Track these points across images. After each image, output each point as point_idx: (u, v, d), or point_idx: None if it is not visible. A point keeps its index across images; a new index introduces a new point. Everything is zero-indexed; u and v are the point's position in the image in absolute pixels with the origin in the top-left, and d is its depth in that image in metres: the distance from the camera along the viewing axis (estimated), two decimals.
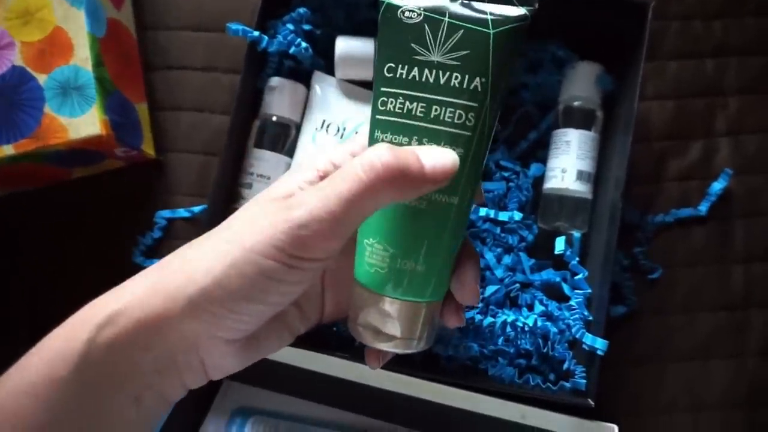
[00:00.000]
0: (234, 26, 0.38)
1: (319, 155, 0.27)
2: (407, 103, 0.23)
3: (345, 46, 0.40)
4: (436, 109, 0.23)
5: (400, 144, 0.23)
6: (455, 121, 0.23)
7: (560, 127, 0.41)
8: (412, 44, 0.23)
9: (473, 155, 0.23)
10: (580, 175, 0.39)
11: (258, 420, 0.39)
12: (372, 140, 0.25)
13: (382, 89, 0.24)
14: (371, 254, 0.25)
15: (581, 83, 0.41)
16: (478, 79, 0.22)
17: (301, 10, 0.39)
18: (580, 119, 0.40)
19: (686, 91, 0.44)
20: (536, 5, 0.23)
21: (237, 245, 0.22)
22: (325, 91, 0.41)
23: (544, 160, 0.42)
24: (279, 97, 0.40)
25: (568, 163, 0.40)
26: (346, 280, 0.29)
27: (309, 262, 0.22)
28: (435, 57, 0.23)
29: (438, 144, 0.23)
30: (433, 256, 0.24)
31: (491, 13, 0.23)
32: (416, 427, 0.38)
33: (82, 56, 0.37)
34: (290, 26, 0.39)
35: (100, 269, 0.41)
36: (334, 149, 0.27)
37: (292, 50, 0.39)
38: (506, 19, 0.23)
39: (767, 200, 0.43)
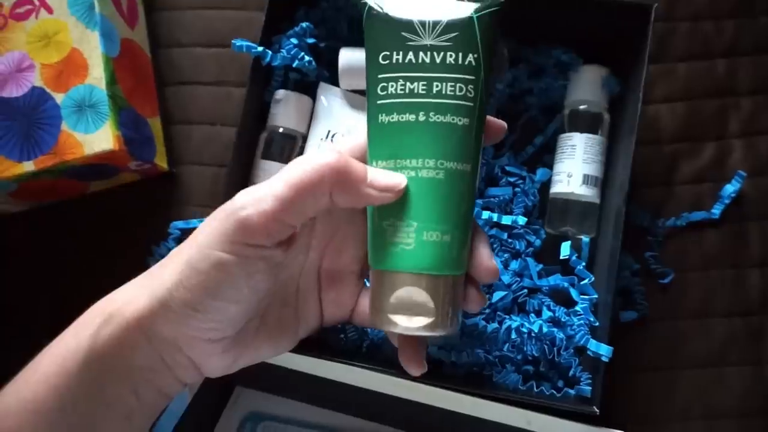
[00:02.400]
0: (239, 42, 0.39)
1: (316, 155, 0.27)
2: (408, 83, 0.25)
3: (348, 57, 0.41)
4: (437, 85, 0.25)
5: (408, 121, 0.25)
6: (457, 93, 0.25)
7: (566, 131, 0.40)
8: (403, 33, 0.25)
9: (478, 122, 0.25)
10: (587, 180, 0.39)
11: (268, 426, 0.39)
12: (375, 126, 0.26)
13: (380, 76, 0.25)
14: (393, 234, 0.25)
15: (587, 87, 0.41)
16: (471, 55, 0.25)
17: (304, 24, 0.40)
18: (586, 123, 0.40)
19: (697, 92, 0.44)
20: None
21: (193, 244, 0.24)
22: (331, 101, 0.42)
23: (550, 165, 0.41)
24: (285, 109, 0.41)
25: (574, 167, 0.39)
26: (344, 280, 0.29)
27: (254, 248, 0.23)
28: (427, 41, 0.25)
29: (444, 116, 0.25)
30: (456, 225, 0.25)
31: (470, 0, 0.26)
32: None
33: (97, 75, 0.39)
34: (294, 40, 0.40)
35: (117, 279, 0.43)
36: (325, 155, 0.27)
37: (295, 64, 0.40)
38: (486, 5, 0.25)
39: None
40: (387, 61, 0.25)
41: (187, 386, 0.28)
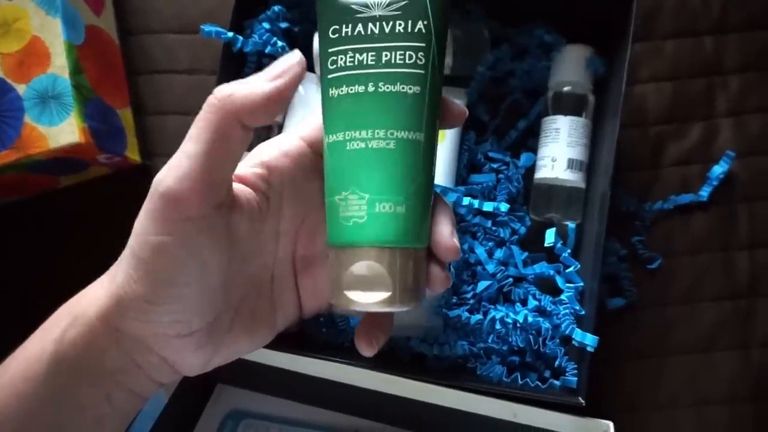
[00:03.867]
0: (208, 28, 0.38)
1: (275, 140, 0.26)
2: (357, 55, 0.24)
3: None
4: (386, 55, 0.24)
5: (357, 93, 0.24)
6: (407, 61, 0.24)
7: (550, 114, 0.39)
8: (352, 6, 0.24)
9: (430, 91, 0.24)
10: (571, 164, 0.38)
11: (250, 423, 0.38)
12: (326, 101, 0.25)
13: (330, 50, 0.25)
14: (345, 208, 0.24)
15: (570, 67, 0.39)
16: (420, 22, 0.24)
17: (276, 8, 0.39)
18: (570, 105, 0.39)
19: (684, 71, 0.43)
20: None
21: (134, 235, 0.23)
22: (307, 88, 0.41)
23: (534, 150, 0.40)
24: None
25: (558, 151, 0.38)
26: (319, 266, 0.28)
27: (189, 221, 0.22)
28: (377, 12, 0.24)
29: (394, 85, 0.24)
30: (411, 196, 0.24)
31: None
32: (407, 427, 0.38)
33: (60, 64, 0.37)
34: (266, 25, 0.39)
35: (91, 276, 0.42)
36: (284, 137, 0.26)
37: (268, 49, 0.38)
38: None
39: None
40: (336, 35, 0.25)
41: (164, 386, 0.27)
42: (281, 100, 0.24)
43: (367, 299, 0.24)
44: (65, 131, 0.36)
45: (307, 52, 0.40)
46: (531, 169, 0.40)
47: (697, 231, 0.40)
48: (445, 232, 0.25)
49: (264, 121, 0.23)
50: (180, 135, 0.45)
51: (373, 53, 0.24)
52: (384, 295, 0.24)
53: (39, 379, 0.23)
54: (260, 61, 0.41)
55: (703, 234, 0.40)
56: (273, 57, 0.40)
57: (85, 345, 0.23)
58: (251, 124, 0.23)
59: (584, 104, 0.39)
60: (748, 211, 0.40)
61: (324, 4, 0.25)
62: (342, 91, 0.24)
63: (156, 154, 0.44)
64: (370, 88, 0.24)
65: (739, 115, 0.42)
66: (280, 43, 0.39)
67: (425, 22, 0.24)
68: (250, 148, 0.39)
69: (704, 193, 0.40)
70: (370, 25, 0.24)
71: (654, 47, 0.43)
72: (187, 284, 0.23)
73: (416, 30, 0.24)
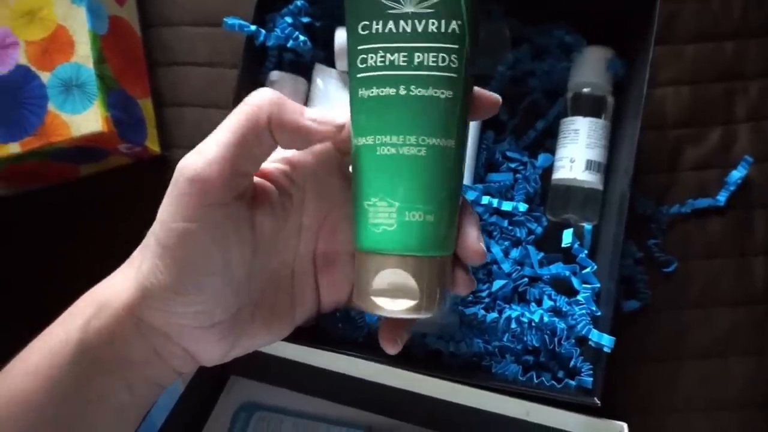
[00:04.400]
0: (230, 21, 0.38)
1: None
2: (388, 55, 0.23)
3: (345, 37, 0.39)
4: (418, 56, 0.23)
5: (388, 96, 0.24)
6: (440, 64, 0.23)
7: (569, 115, 0.39)
8: (383, 1, 0.24)
9: (463, 95, 0.24)
10: (590, 165, 0.38)
11: (263, 416, 0.39)
12: (355, 101, 0.25)
13: (360, 48, 0.24)
14: (375, 214, 0.24)
15: (591, 69, 0.39)
16: (454, 21, 0.23)
17: (299, 2, 0.39)
18: (589, 106, 0.39)
19: (704, 75, 0.43)
20: None
21: (158, 222, 0.23)
22: (327, 83, 0.41)
23: (552, 150, 0.40)
24: (280, 92, 0.39)
25: (577, 152, 0.38)
26: (340, 262, 0.28)
27: (214, 208, 0.22)
28: (409, 8, 0.23)
29: (426, 89, 0.23)
30: (441, 204, 0.24)
31: None
32: (420, 424, 0.38)
33: (84, 54, 0.37)
34: (288, 19, 0.39)
35: (110, 265, 0.42)
36: None
37: (290, 44, 0.39)
38: None
39: None
40: (366, 32, 0.24)
41: (182, 375, 0.27)
42: (302, 140, 0.24)
43: (394, 306, 0.24)
44: (88, 120, 0.37)
45: (328, 47, 0.40)
46: (548, 170, 0.40)
47: (713, 235, 0.40)
48: (472, 236, 0.25)
49: (282, 143, 0.24)
50: (198, 127, 0.46)
51: (405, 54, 0.23)
52: (411, 303, 0.24)
53: (64, 367, 0.23)
54: (281, 55, 0.41)
55: (720, 238, 0.40)
56: (294, 51, 0.41)
57: (110, 335, 0.23)
58: (280, 141, 0.24)
59: (603, 106, 0.39)
60: (764, 216, 0.40)
61: (353, 1, 0.25)
62: (372, 92, 0.24)
63: (174, 145, 0.44)
64: (402, 91, 0.23)
65: (758, 121, 0.41)
66: (302, 38, 0.39)
67: (459, 23, 0.23)
68: None
69: (721, 197, 0.40)
70: (402, 23, 0.23)
71: (674, 51, 0.43)
72: (211, 274, 0.23)
73: (450, 30, 0.23)
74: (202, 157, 0.22)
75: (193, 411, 0.38)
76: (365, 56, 0.24)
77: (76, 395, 0.23)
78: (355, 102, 0.25)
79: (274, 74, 0.40)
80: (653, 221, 0.41)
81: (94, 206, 0.44)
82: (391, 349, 0.26)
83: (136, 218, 0.42)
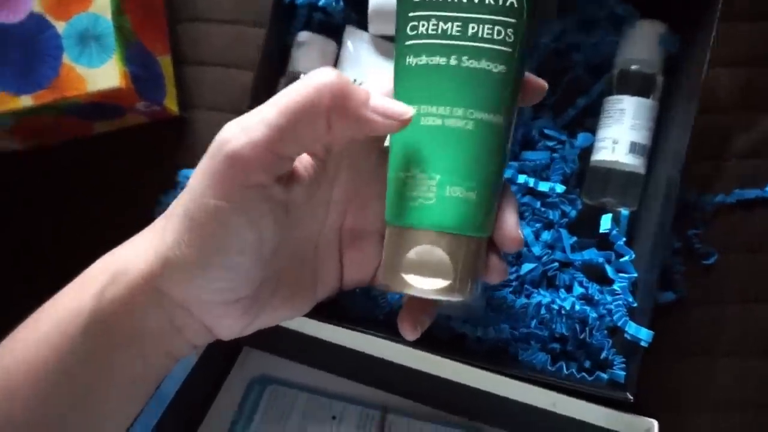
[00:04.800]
0: None
1: None
2: (441, 23, 0.22)
3: None
4: (473, 27, 0.22)
5: (438, 65, 0.22)
6: (495, 37, 0.22)
7: (614, 93, 0.37)
8: None
9: (515, 72, 0.23)
10: (633, 148, 0.36)
11: (276, 389, 0.38)
12: (402, 68, 0.23)
13: (411, 14, 0.23)
14: (413, 186, 0.23)
15: (641, 44, 0.37)
16: None
17: None
18: (637, 85, 0.36)
19: (759, 57, 0.40)
20: None
21: (188, 192, 0.21)
22: (358, 47, 0.39)
23: (593, 130, 0.38)
24: (308, 54, 0.38)
25: (621, 133, 0.36)
26: (367, 239, 0.27)
27: (252, 189, 0.21)
28: None
29: (479, 61, 0.22)
30: (483, 183, 0.23)
31: None
32: (439, 407, 0.37)
33: (102, 3, 0.35)
34: None
35: (123, 227, 0.41)
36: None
37: (321, 2, 0.36)
38: None
39: None
40: None
41: (196, 348, 0.26)
42: (361, 132, 0.22)
43: (426, 285, 0.23)
44: (106, 74, 0.35)
45: (360, 8, 0.38)
46: (587, 151, 0.38)
47: (758, 228, 0.38)
48: (511, 222, 0.24)
49: (337, 132, 0.21)
50: (219, 88, 0.44)
51: (459, 23, 0.22)
52: (444, 283, 0.23)
53: (76, 336, 0.22)
54: (311, 15, 0.39)
55: (765, 232, 0.38)
56: (325, 11, 0.38)
57: (126, 305, 0.22)
58: (335, 131, 0.21)
59: (653, 85, 0.36)
60: None
61: None
62: (421, 60, 0.23)
63: (193, 105, 0.43)
64: (453, 61, 0.22)
65: None
66: None
67: None
68: None
69: None
70: None
71: (729, 29, 0.40)
72: (240, 253, 0.21)
73: (508, 3, 0.22)
74: (246, 135, 0.20)
75: (206, 382, 0.37)
76: (416, 23, 0.23)
77: (88, 366, 0.22)
78: (401, 69, 0.23)
79: (303, 35, 0.38)
80: (695, 210, 0.39)
81: (109, 166, 0.42)
82: (411, 335, 0.25)
83: (152, 180, 0.41)
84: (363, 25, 0.38)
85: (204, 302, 0.22)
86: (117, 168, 0.42)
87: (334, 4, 0.37)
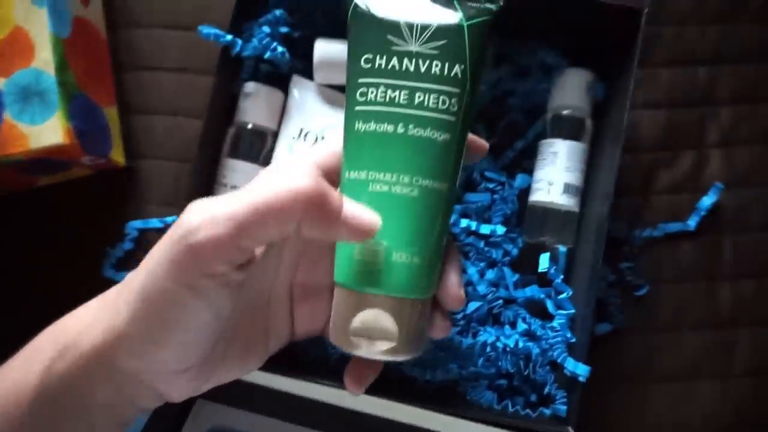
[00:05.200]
0: (206, 29, 0.36)
1: (286, 164, 0.25)
2: (389, 91, 0.23)
3: (324, 49, 0.38)
4: (419, 96, 0.23)
5: (386, 132, 0.23)
6: (439, 106, 0.23)
7: (548, 136, 0.39)
8: (389, 36, 0.24)
9: (459, 140, 0.24)
10: (567, 189, 0.38)
11: None
12: (351, 133, 0.24)
13: (361, 80, 0.24)
14: (360, 251, 0.24)
15: (571, 91, 0.39)
16: (457, 66, 0.23)
17: (278, 12, 0.38)
18: (568, 129, 0.39)
19: (678, 99, 0.43)
20: (501, 3, 0.25)
21: (145, 272, 0.21)
22: (304, 96, 0.40)
23: (530, 171, 0.40)
24: (255, 104, 0.39)
25: (555, 175, 0.38)
26: (318, 293, 0.27)
27: (210, 278, 0.20)
28: (413, 47, 0.23)
29: (424, 130, 0.23)
30: (428, 247, 0.24)
31: (461, 8, 0.24)
32: None
33: (44, 58, 0.35)
34: (266, 29, 0.37)
35: (69, 283, 0.40)
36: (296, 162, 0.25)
37: (267, 55, 0.37)
38: (477, 13, 0.24)
39: (757, 215, 0.41)
40: (369, 65, 0.24)
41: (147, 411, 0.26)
42: (334, 238, 0.22)
43: (372, 347, 0.23)
44: (48, 131, 0.34)
45: (306, 58, 0.39)
46: (526, 191, 0.40)
47: (684, 259, 0.41)
48: (453, 281, 0.25)
49: (304, 236, 0.22)
50: (167, 136, 0.44)
51: (407, 92, 0.23)
52: (389, 345, 0.23)
53: (25, 408, 0.22)
54: (257, 66, 0.40)
55: (690, 263, 0.41)
56: (271, 63, 0.39)
57: (75, 378, 0.22)
58: (303, 232, 0.21)
59: (583, 128, 0.39)
60: (733, 242, 0.41)
61: (357, 27, 0.24)
62: (370, 127, 0.23)
63: (141, 155, 0.42)
64: (400, 129, 0.23)
65: (728, 147, 0.42)
66: (280, 49, 0.38)
67: (462, 67, 0.23)
68: (255, 155, 0.38)
69: (692, 222, 0.41)
70: (406, 60, 0.23)
71: (650, 74, 0.43)
72: (197, 331, 0.22)
73: (452, 74, 0.23)
74: (212, 229, 0.20)
75: None
76: (365, 90, 0.24)
77: None
78: (350, 134, 0.24)
79: (250, 85, 0.39)
80: (626, 244, 0.41)
81: (53, 219, 0.41)
82: (356, 390, 0.26)
83: (99, 232, 0.41)
84: (309, 74, 0.39)
85: (157, 372, 0.22)
86: (63, 220, 0.41)
87: (280, 56, 0.38)
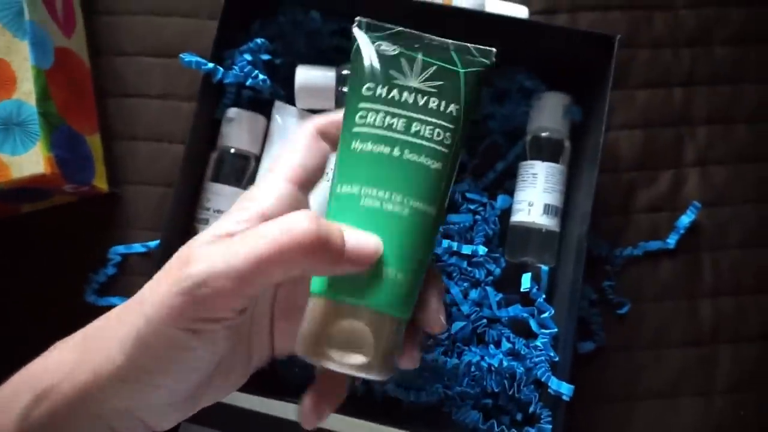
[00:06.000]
0: (187, 57, 0.36)
1: (264, 188, 0.25)
2: (388, 117, 0.25)
3: (305, 75, 0.39)
4: (416, 125, 0.25)
5: (382, 153, 0.24)
6: (435, 137, 0.25)
7: (528, 158, 0.40)
8: (390, 71, 0.25)
9: (449, 171, 0.25)
10: (547, 209, 0.39)
11: None
12: (347, 151, 0.25)
13: (361, 105, 0.25)
14: None
15: (549, 114, 0.40)
16: (453, 105, 0.25)
17: (259, 40, 0.38)
18: (547, 151, 0.39)
19: (655, 120, 0.44)
20: (494, 59, 0.27)
21: (141, 316, 0.21)
22: (286, 121, 0.40)
23: (511, 191, 0.41)
24: (237, 129, 0.39)
25: (535, 196, 0.39)
26: (299, 309, 0.27)
27: (213, 323, 0.21)
28: (413, 83, 0.25)
29: (419, 156, 0.24)
30: (412, 267, 0.24)
31: (458, 54, 0.26)
32: None
33: (26, 90, 0.35)
34: (248, 56, 0.38)
35: (51, 309, 0.40)
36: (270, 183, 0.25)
37: (249, 82, 0.38)
38: (473, 63, 0.26)
39: (735, 233, 0.42)
40: (370, 93, 0.25)
41: None
42: (338, 273, 0.22)
43: (345, 360, 0.23)
44: (30, 161, 0.35)
45: (288, 83, 0.40)
46: (507, 211, 0.41)
47: (664, 278, 0.42)
48: (435, 306, 0.25)
49: (308, 274, 0.22)
50: (151, 161, 0.44)
51: (404, 120, 0.25)
52: (363, 359, 0.23)
53: None
54: (239, 91, 0.40)
55: (670, 281, 0.41)
56: (253, 89, 0.40)
57: (56, 422, 0.22)
58: (307, 273, 0.22)
59: (561, 150, 0.40)
60: (711, 259, 0.42)
61: (360, 60, 0.26)
62: (367, 147, 0.25)
63: (125, 181, 0.43)
64: (396, 152, 0.24)
65: (705, 166, 0.43)
66: (261, 76, 0.38)
67: (457, 107, 0.25)
68: (238, 179, 0.38)
69: (671, 240, 0.42)
70: (405, 93, 0.25)
71: (627, 96, 0.44)
72: (195, 370, 0.22)
73: (448, 111, 0.25)
74: (218, 283, 0.20)
75: None
76: (365, 113, 0.25)
77: None
78: (346, 153, 0.25)
79: (232, 111, 0.39)
80: (607, 263, 0.42)
81: (35, 245, 0.41)
82: (310, 424, 0.25)
83: (82, 258, 0.41)
84: (291, 99, 0.40)
85: (149, 407, 0.22)
86: (45, 247, 0.41)
87: (261, 83, 0.38)
